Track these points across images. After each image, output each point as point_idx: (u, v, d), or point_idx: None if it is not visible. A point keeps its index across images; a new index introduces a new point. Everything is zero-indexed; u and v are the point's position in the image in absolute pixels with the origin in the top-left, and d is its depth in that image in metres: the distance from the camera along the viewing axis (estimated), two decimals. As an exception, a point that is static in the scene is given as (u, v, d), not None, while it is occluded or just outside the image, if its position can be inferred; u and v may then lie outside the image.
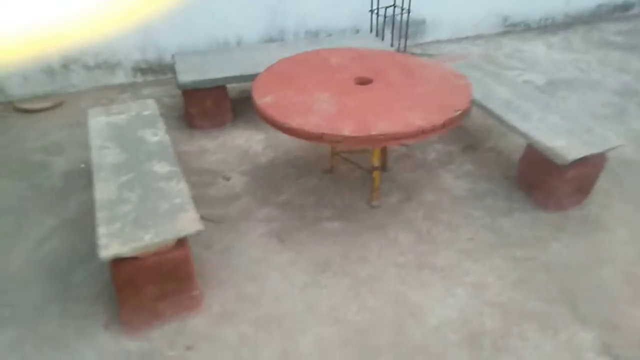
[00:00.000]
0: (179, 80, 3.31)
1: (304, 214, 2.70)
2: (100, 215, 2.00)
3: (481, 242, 2.51)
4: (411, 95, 2.46)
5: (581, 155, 2.47)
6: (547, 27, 5.66)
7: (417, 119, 2.23)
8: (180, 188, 2.19)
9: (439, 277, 2.30)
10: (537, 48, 5.06)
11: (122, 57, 4.13)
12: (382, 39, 4.58)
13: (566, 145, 2.54)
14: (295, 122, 2.22)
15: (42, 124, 3.60)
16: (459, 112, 2.29)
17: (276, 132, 2.38)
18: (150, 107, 2.92)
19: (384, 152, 3.02)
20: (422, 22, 5.07)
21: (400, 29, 4.66)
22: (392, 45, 4.75)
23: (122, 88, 4.15)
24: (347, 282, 2.27)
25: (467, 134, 3.48)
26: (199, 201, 2.76)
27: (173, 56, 3.71)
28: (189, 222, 1.97)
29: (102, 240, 1.86)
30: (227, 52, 3.89)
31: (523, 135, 2.69)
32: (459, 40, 5.26)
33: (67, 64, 4.00)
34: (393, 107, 2.34)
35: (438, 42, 5.21)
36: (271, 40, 4.53)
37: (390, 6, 4.51)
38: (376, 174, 2.67)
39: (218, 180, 3.00)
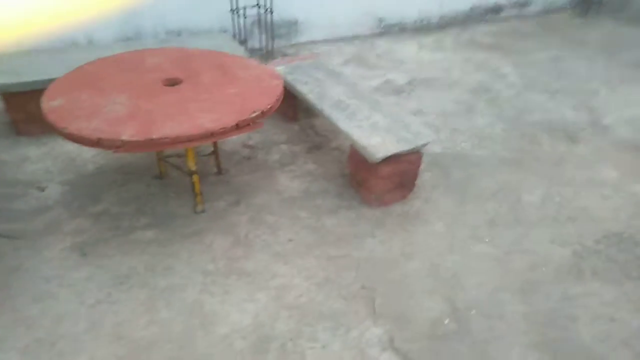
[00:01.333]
0: (-6, 83, 3.02)
1: (118, 224, 2.53)
2: None
3: (300, 243, 2.46)
4: (215, 97, 2.37)
5: (390, 153, 2.50)
6: (422, 28, 5.84)
7: (208, 121, 2.13)
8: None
9: (244, 282, 2.22)
10: (408, 48, 5.19)
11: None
12: (244, 39, 4.50)
13: (379, 143, 2.56)
14: (73, 126, 2.05)
15: None
16: (255, 114, 2.23)
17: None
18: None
19: (216, 154, 2.91)
20: (294, 23, 5.04)
21: (266, 29, 4.59)
22: (261, 45, 4.68)
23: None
24: (143, 295, 2.13)
25: (316, 134, 3.46)
26: (4, 215, 2.53)
27: (-2, 57, 3.39)
28: None
29: None
30: (66, 52, 3.62)
31: (345, 134, 2.69)
32: (334, 41, 5.29)
33: None
34: (189, 109, 2.23)
35: (313, 42, 5.20)
36: (128, 39, 4.29)
37: (253, 6, 4.43)
38: (195, 177, 2.55)
39: (31, 191, 2.75)
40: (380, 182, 2.62)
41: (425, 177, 3.03)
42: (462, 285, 2.26)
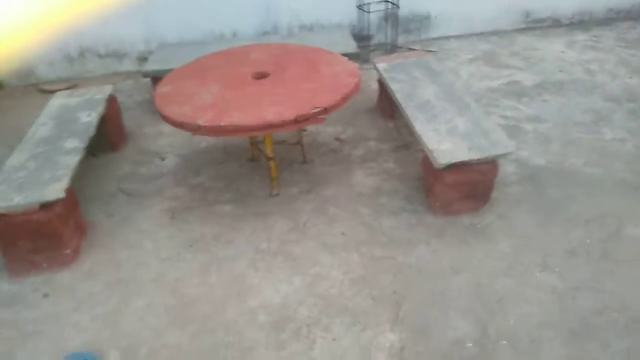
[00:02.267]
0: (144, 68, 3.72)
1: (205, 196, 2.94)
2: (-1, 178, 2.45)
3: (351, 238, 2.54)
4: (290, 91, 2.56)
5: (456, 160, 2.38)
6: (581, 23, 5.13)
7: (271, 114, 2.34)
8: (70, 162, 2.56)
9: (287, 265, 2.40)
10: (553, 46, 4.65)
11: (128, 47, 4.67)
12: (368, 34, 4.58)
13: (448, 149, 2.45)
14: (167, 110, 2.47)
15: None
16: (317, 110, 2.36)
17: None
18: (104, 92, 3.35)
19: (301, 145, 3.13)
20: (427, 17, 4.93)
21: (392, 24, 4.60)
22: (387, 40, 4.73)
23: (128, 75, 4.69)
24: (203, 259, 2.47)
25: (409, 133, 3.42)
26: (129, 177, 3.17)
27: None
28: (55, 191, 2.33)
29: (-17, 197, 2.30)
30: (213, 44, 4.19)
31: (417, 136, 2.64)
32: (469, 36, 5.02)
33: (83, 53, 4.65)
34: (262, 101, 2.47)
35: (445, 38, 5.03)
36: (265, 33, 4.77)
37: (380, 1, 4.48)
38: (272, 163, 2.81)
39: (155, 160, 3.35)
40: (445, 189, 2.52)
41: (513, 190, 2.78)
42: (505, 312, 2.08)
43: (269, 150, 2.74)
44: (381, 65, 3.41)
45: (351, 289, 2.24)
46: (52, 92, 4.43)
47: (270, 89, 2.60)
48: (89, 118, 3.01)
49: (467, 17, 4.97)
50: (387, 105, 3.50)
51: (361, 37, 4.61)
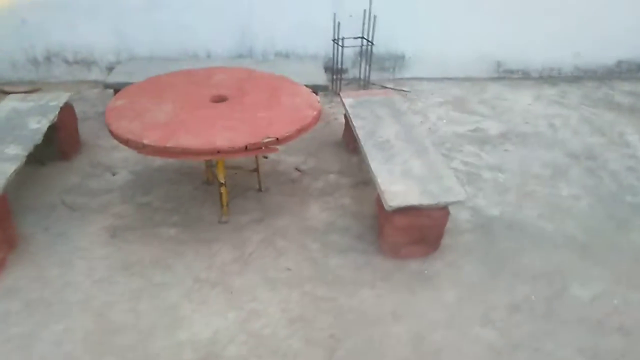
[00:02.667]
0: (107, 79, 3.63)
1: (152, 216, 2.82)
2: None
3: (296, 274, 2.45)
4: (245, 117, 2.51)
5: (406, 204, 2.34)
6: (550, 78, 5.29)
7: (222, 139, 2.27)
8: (7, 170, 2.42)
9: (224, 297, 2.29)
10: (522, 98, 4.76)
11: (98, 57, 4.57)
12: (341, 68, 4.61)
13: (400, 191, 2.42)
14: (115, 125, 2.38)
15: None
16: (267, 139, 2.30)
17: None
18: (60, 99, 3.24)
19: (257, 172, 3.06)
20: (401, 57, 5.01)
21: (367, 61, 4.65)
22: (360, 75, 4.76)
23: (95, 84, 4.58)
24: (136, 284, 2.34)
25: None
26: (75, 189, 3.03)
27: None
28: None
29: None
30: (184, 63, 4.14)
31: (371, 175, 2.61)
32: (441, 80, 5.10)
33: (50, 57, 4.52)
34: (215, 125, 2.41)
35: (418, 79, 5.10)
36: (240, 56, 4.75)
37: (356, 37, 4.53)
38: (223, 189, 2.72)
39: (106, 174, 3.22)
40: (394, 232, 2.47)
41: (465, 238, 2.76)
42: (441, 366, 2.01)
43: (220, 176, 2.66)
44: (347, 101, 3.41)
45: (286, 329, 2.14)
46: (11, 93, 4.29)
47: (226, 114, 2.54)
48: (38, 125, 2.89)
49: (441, 61, 5.06)
50: (351, 139, 3.47)
51: (335, 70, 4.64)
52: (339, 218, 2.88)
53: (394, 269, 2.51)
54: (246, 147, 2.26)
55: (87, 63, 4.59)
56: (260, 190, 3.10)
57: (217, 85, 2.89)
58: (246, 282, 2.39)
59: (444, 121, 4.21)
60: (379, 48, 4.81)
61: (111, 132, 2.39)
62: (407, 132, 3.01)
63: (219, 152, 2.23)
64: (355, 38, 4.54)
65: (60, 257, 2.49)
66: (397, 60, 5.02)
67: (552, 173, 3.46)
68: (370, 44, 4.50)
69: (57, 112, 3.07)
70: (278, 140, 2.34)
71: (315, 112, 2.58)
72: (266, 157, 3.50)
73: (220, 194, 2.75)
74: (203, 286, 2.35)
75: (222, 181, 2.69)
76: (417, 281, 2.44)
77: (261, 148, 2.31)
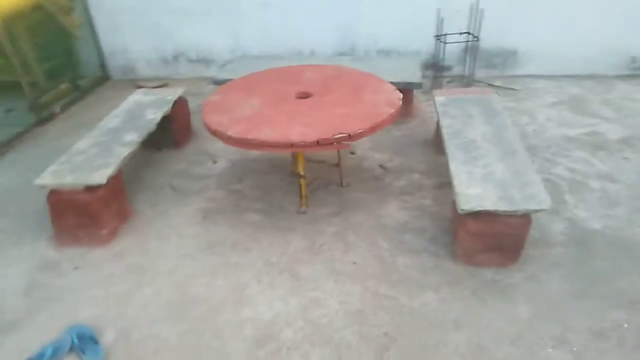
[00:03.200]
0: (216, 76, 3.99)
1: (240, 202, 3.06)
2: (61, 159, 2.79)
3: (361, 269, 2.48)
4: (324, 114, 2.59)
5: (479, 208, 2.22)
6: (702, 75, 4.51)
7: (296, 133, 2.39)
8: (122, 153, 2.83)
9: (290, 283, 2.41)
10: (659, 98, 4.14)
11: (216, 55, 5.04)
12: (443, 65, 4.45)
13: (475, 194, 2.30)
14: (208, 118, 2.63)
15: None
16: (340, 135, 2.35)
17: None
18: (175, 93, 3.66)
19: (339, 167, 3.14)
20: (513, 53, 4.67)
21: (472, 57, 4.43)
22: (464, 73, 4.56)
23: (211, 80, 5.04)
24: (215, 263, 2.58)
25: (459, 171, 3.26)
26: (182, 174, 3.42)
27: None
28: (99, 177, 2.59)
29: (44, 174, 2.64)
30: (289, 60, 4.35)
31: (449, 175, 2.52)
32: (559, 77, 4.66)
33: (177, 56, 5.11)
34: (295, 120, 2.53)
35: (533, 76, 4.72)
36: (341, 54, 4.86)
37: (461, 33, 4.34)
38: (302, 181, 2.85)
39: (209, 161, 3.57)
40: (467, 237, 2.36)
41: (555, 251, 2.52)
42: (497, 383, 1.88)
43: (300, 168, 2.79)
44: (439, 99, 3.31)
45: (343, 321, 2.18)
46: (143, 88, 4.93)
47: (307, 110, 2.65)
48: (154, 116, 3.30)
49: (559, 57, 4.61)
50: (440, 139, 3.36)
51: (437, 67, 4.50)
52: (415, 218, 2.82)
53: (465, 275, 2.40)
54: (318, 142, 2.34)
55: (207, 61, 5.08)
56: (341, 185, 3.17)
57: (305, 82, 3.01)
58: (312, 271, 2.48)
59: (554, 123, 3.84)
60: (488, 44, 4.55)
61: (204, 124, 2.65)
62: (497, 133, 2.83)
63: (292, 145, 2.35)
64: (460, 34, 4.34)
65: (159, 232, 2.84)
66: (508, 56, 4.70)
67: (681, 187, 2.97)
68: (475, 39, 4.27)
69: (170, 105, 3.47)
70: (350, 137, 2.38)
71: (392, 110, 2.56)
72: (353, 153, 3.56)
73: (300, 185, 2.88)
74: (272, 270, 2.50)
75: (302, 173, 2.81)
76: (488, 290, 2.30)
77: (333, 143, 2.38)
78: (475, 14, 4.19)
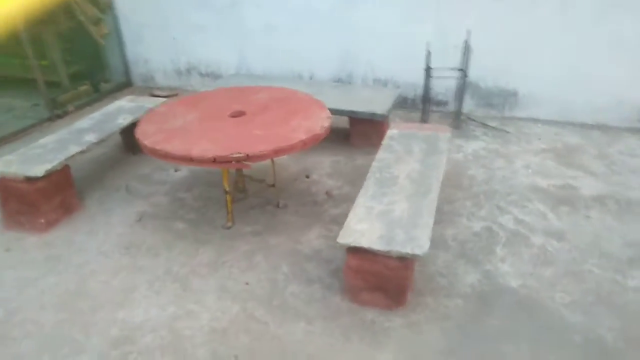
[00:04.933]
0: (201, 90, 4.21)
1: (176, 210, 3.20)
2: (20, 150, 3.09)
3: (250, 290, 2.49)
4: (240, 133, 2.66)
5: (354, 244, 2.17)
6: None
7: (198, 149, 2.48)
8: (71, 151, 3.08)
9: (176, 293, 2.48)
10: (664, 157, 3.76)
11: (223, 71, 5.30)
12: (428, 98, 4.35)
13: (360, 230, 2.25)
14: (140, 128, 2.81)
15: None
16: (237, 155, 2.41)
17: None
18: (157, 102, 3.91)
19: (275, 188, 3.18)
20: (513, 94, 4.46)
21: (461, 94, 4.29)
22: (455, 108, 4.43)
23: (218, 94, 5.31)
24: (122, 263, 2.70)
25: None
26: (142, 178, 3.63)
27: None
28: (38, 170, 2.84)
29: (-3, 160, 2.96)
30: (284, 81, 4.45)
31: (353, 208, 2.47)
32: (563, 124, 4.36)
33: (190, 69, 5.44)
34: (206, 137, 2.63)
35: (533, 120, 4.46)
36: (339, 80, 4.91)
37: (452, 69, 4.23)
38: (228, 197, 2.93)
39: (172, 169, 3.76)
40: (349, 273, 2.30)
41: (453, 303, 2.38)
42: None
43: (225, 184, 2.87)
44: (390, 132, 3.26)
45: (203, 337, 2.21)
46: (158, 96, 5.29)
47: (228, 127, 2.74)
48: (122, 121, 3.56)
49: (563, 103, 4.33)
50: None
51: (425, 100, 4.40)
52: (330, 248, 2.78)
53: (346, 312, 2.33)
54: (214, 159, 2.41)
55: (215, 75, 5.36)
56: (278, 206, 3.20)
57: (251, 102, 3.11)
58: (203, 285, 2.53)
59: (530, 170, 3.60)
60: (488, 82, 4.40)
61: (135, 135, 2.81)
62: (424, 172, 2.73)
63: (191, 159, 2.44)
64: (450, 69, 4.23)
65: (92, 228, 3.03)
66: (508, 97, 4.49)
67: (632, 257, 2.67)
68: (464, 75, 4.14)
69: (143, 113, 3.71)
70: (248, 157, 2.43)
71: (305, 137, 2.58)
72: (308, 177, 3.58)
73: (226, 201, 2.95)
74: (168, 278, 2.58)
75: (227, 189, 2.89)
76: (360, 331, 2.22)
77: (231, 162, 2.44)
78: (465, 50, 4.07)
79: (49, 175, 2.88)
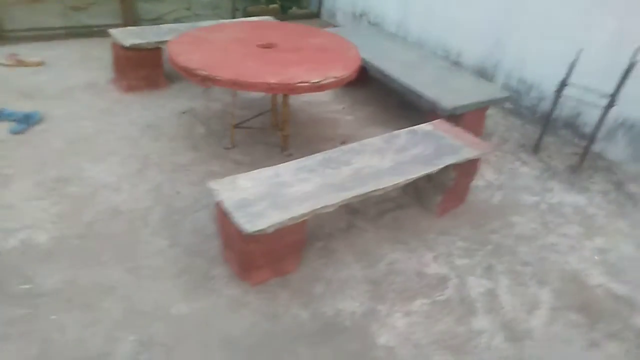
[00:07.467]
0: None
1: (209, 119, 3.48)
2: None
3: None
4: (270, 62, 2.74)
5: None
6: None
7: (188, 62, 2.62)
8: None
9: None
10: None
11: (387, 25, 5.11)
12: (547, 121, 3.33)
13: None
14: (174, 42, 3.03)
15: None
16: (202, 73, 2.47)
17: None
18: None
19: (284, 135, 3.12)
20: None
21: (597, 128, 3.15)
22: (588, 149, 3.32)
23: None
24: (127, 131, 3.19)
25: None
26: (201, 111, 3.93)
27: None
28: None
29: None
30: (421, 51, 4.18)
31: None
32: None
33: (362, 15, 5.43)
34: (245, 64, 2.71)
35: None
36: (483, 69, 4.19)
37: (593, 90, 3.11)
38: (233, 122, 3.06)
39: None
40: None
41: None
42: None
43: (232, 112, 2.98)
44: (427, 127, 2.74)
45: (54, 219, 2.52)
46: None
47: (258, 54, 2.84)
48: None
49: None
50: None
51: (547, 121, 3.38)
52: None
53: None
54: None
55: (380, 25, 5.22)
56: (282, 152, 3.15)
57: (282, 36, 3.10)
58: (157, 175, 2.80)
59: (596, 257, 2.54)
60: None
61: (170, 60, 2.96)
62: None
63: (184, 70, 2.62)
64: (593, 91, 3.11)
65: (150, 105, 3.60)
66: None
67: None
68: (611, 103, 3.00)
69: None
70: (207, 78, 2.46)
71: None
72: (344, 143, 3.35)
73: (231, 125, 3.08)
74: (147, 161, 2.95)
75: (233, 115, 3.01)
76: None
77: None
78: (628, 70, 2.91)
79: (136, 49, 3.48)
